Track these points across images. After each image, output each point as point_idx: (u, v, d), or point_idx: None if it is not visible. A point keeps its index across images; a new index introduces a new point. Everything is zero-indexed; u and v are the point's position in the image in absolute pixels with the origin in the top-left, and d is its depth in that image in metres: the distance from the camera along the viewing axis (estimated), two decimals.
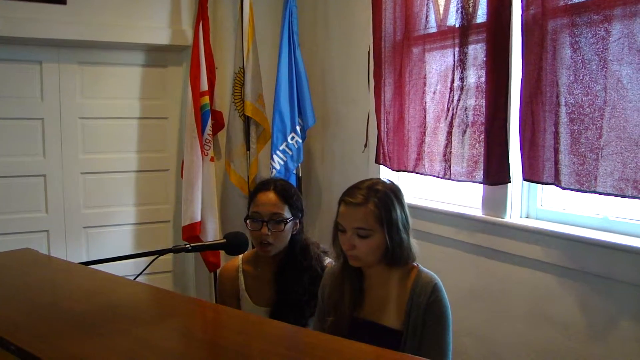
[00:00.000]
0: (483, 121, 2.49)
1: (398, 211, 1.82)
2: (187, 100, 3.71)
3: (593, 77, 1.98)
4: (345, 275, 1.92)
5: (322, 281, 2.05)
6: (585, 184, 2.02)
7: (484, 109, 2.48)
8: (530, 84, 2.23)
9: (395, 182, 1.94)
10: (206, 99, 3.68)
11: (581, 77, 2.02)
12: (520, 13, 2.27)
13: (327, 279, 2.01)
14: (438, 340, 1.80)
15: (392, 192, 1.85)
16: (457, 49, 2.60)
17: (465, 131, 2.59)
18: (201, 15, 3.71)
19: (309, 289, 2.19)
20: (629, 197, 1.90)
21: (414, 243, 1.88)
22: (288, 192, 2.22)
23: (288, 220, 2.18)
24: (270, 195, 2.19)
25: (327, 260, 2.24)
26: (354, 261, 1.85)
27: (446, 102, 2.68)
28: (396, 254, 1.82)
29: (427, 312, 1.80)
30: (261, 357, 1.19)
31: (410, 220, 1.88)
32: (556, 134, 2.11)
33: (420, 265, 1.90)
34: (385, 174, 3.31)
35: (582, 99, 2.02)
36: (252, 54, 3.76)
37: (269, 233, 2.16)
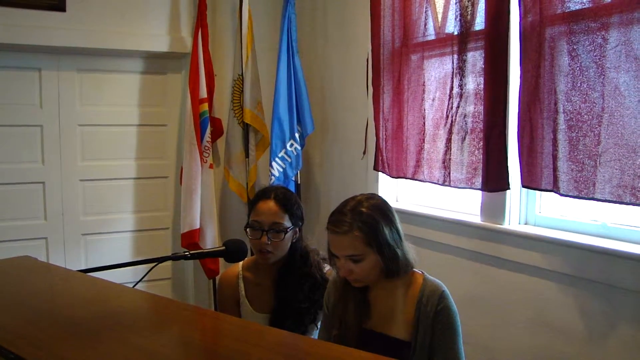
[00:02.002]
0: (482, 128, 2.49)
1: (386, 229, 1.79)
2: (186, 108, 3.71)
3: (591, 85, 1.99)
4: (349, 287, 1.89)
5: (327, 289, 2.03)
6: (583, 191, 2.02)
7: (482, 116, 2.49)
8: (529, 91, 2.23)
9: (380, 195, 1.91)
10: (205, 106, 3.69)
11: (579, 85, 2.02)
12: (519, 20, 2.28)
13: (332, 288, 1.99)
14: (450, 349, 1.78)
15: (378, 210, 1.82)
16: (455, 56, 2.60)
17: (464, 138, 2.59)
18: (200, 22, 3.71)
19: (308, 296, 2.19)
20: (627, 203, 1.90)
21: (411, 250, 1.86)
22: (289, 200, 2.21)
23: (288, 230, 2.18)
24: (271, 204, 2.18)
25: (327, 268, 2.24)
26: (355, 283, 1.85)
27: (445, 109, 2.68)
28: (393, 269, 1.80)
29: (435, 321, 1.78)
30: None
31: (402, 230, 1.86)
32: (554, 141, 2.12)
33: (425, 274, 1.89)
34: (384, 180, 3.31)
35: (580, 106, 2.03)
36: (251, 61, 3.77)
37: (269, 242, 2.15)
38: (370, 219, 1.78)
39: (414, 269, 1.88)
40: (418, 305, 1.81)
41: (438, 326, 1.78)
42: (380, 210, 1.83)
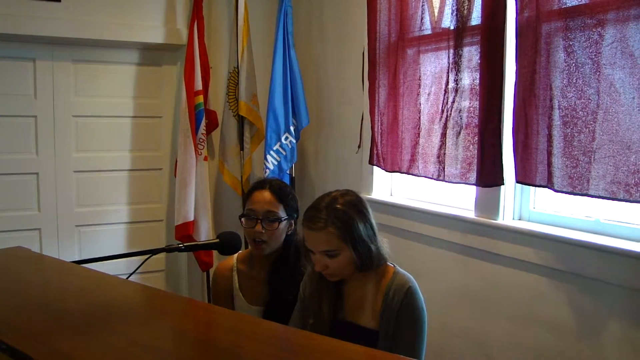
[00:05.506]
0: (477, 123, 2.49)
1: (360, 225, 1.83)
2: (181, 100, 3.71)
3: (586, 81, 1.99)
4: (324, 281, 1.94)
5: (303, 280, 2.07)
6: (577, 187, 2.03)
7: (478, 111, 2.49)
8: (524, 86, 2.24)
9: (354, 191, 1.95)
10: (200, 98, 3.68)
11: (574, 81, 2.03)
12: (515, 16, 2.28)
13: (307, 280, 2.04)
14: (410, 344, 1.82)
15: (352, 207, 1.85)
16: (451, 50, 2.60)
17: (459, 133, 2.59)
18: (196, 14, 3.70)
19: None
20: (620, 200, 1.91)
21: (383, 244, 1.90)
22: (283, 191, 2.24)
23: (282, 219, 2.19)
24: (266, 194, 2.20)
25: None
26: (331, 278, 1.90)
27: (440, 104, 2.68)
28: (366, 264, 1.85)
29: (400, 314, 1.82)
30: (253, 357, 1.19)
31: (376, 225, 1.90)
32: (549, 137, 2.12)
33: (396, 267, 1.93)
34: (379, 174, 3.32)
35: (575, 102, 2.03)
36: (247, 54, 3.76)
37: (263, 231, 2.16)
38: (345, 215, 1.83)
39: (387, 262, 1.93)
40: (385, 297, 1.85)
41: (402, 320, 1.82)
42: (355, 206, 1.87)
